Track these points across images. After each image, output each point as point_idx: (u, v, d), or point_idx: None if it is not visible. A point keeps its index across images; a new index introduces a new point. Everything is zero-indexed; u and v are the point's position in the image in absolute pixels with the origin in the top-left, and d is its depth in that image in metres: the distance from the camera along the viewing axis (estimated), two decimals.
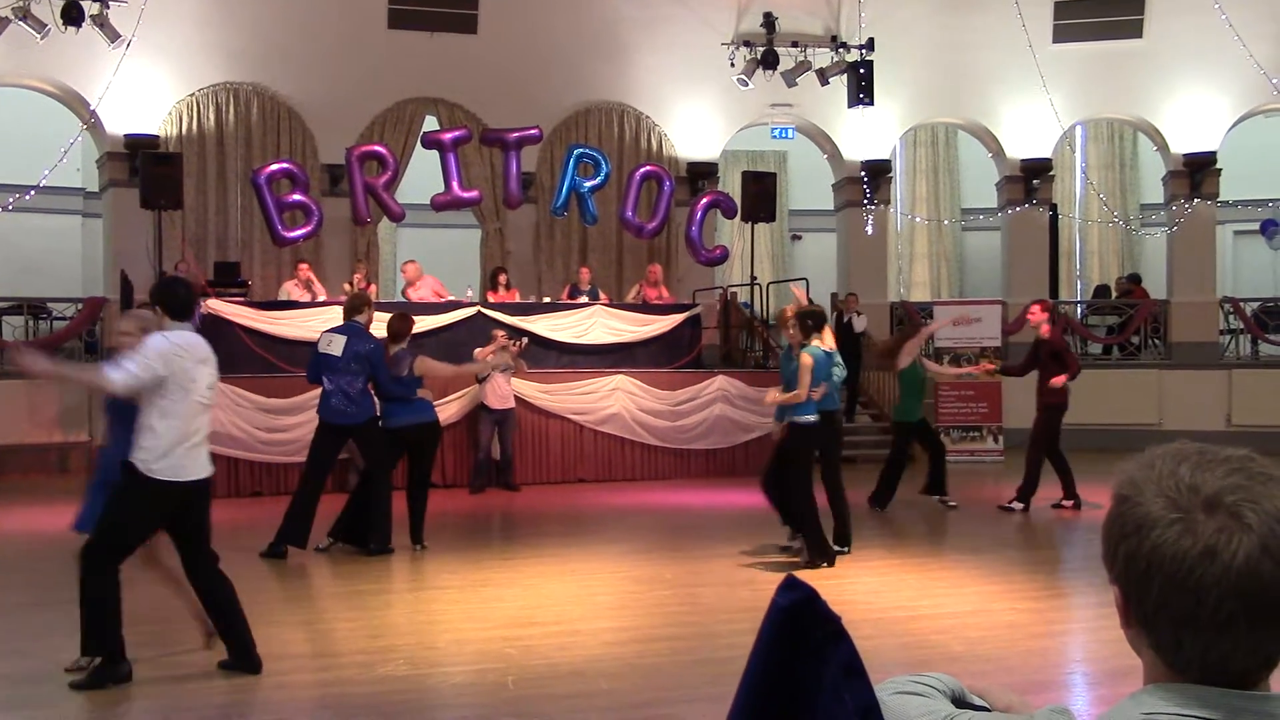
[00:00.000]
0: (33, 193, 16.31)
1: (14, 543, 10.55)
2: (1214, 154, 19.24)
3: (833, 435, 9.35)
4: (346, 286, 15.87)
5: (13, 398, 14.71)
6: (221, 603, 5.95)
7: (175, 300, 5.84)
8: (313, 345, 9.81)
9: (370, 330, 9.66)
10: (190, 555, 5.88)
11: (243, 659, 5.93)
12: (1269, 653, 1.24)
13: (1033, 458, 11.77)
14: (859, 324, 17.13)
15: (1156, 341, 19.68)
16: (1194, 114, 19.21)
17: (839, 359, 9.18)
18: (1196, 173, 19.28)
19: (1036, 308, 12.22)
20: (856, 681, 1.33)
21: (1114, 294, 20.94)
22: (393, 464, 9.86)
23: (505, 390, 13.55)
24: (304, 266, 15.77)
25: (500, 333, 13.68)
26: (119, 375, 5.48)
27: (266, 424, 13.20)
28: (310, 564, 9.19)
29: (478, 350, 13.40)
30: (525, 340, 13.64)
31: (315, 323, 14.20)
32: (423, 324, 14.76)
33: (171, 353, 5.57)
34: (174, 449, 5.59)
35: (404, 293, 15.99)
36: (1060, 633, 7.28)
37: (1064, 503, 11.80)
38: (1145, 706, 1.25)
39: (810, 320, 8.91)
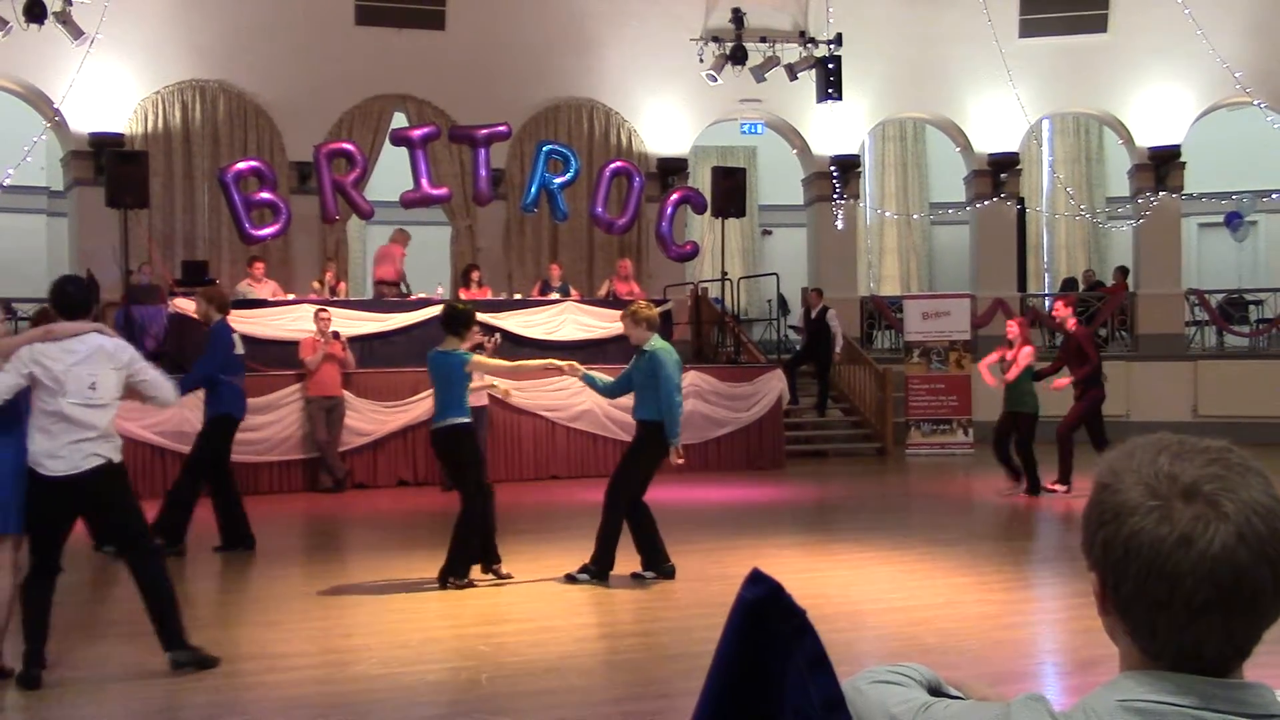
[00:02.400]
0: None
1: None
2: (1178, 147, 19.41)
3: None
4: (316, 284, 15.79)
5: None
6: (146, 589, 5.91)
7: (65, 299, 5.81)
8: (246, 344, 9.90)
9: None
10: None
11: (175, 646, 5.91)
12: (1242, 641, 1.26)
13: (1064, 436, 11.94)
14: (833, 323, 17.13)
15: (1123, 334, 19.84)
16: (1159, 108, 19.38)
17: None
18: (1161, 166, 19.45)
19: (1060, 304, 12.40)
20: (821, 674, 1.33)
21: (1081, 286, 21.08)
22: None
23: (477, 385, 13.47)
24: (259, 265, 15.63)
25: (474, 329, 13.61)
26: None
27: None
28: (280, 564, 9.14)
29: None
30: (498, 337, 13.59)
31: (284, 321, 14.15)
32: (394, 322, 14.76)
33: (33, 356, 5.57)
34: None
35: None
36: (1031, 624, 7.34)
37: (1055, 485, 11.86)
38: (1120, 693, 1.26)
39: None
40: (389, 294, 15.97)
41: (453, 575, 7.93)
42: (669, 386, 7.94)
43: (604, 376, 8.52)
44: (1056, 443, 11.97)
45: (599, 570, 8.09)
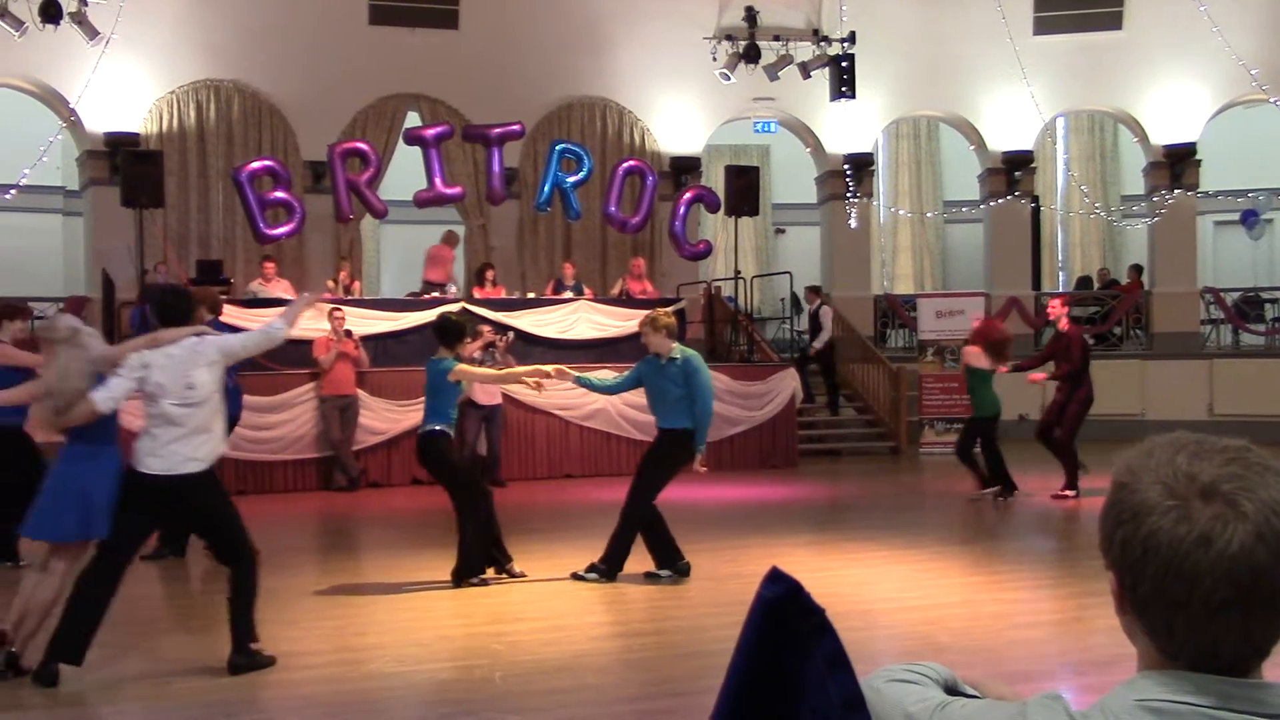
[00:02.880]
0: (12, 192, 16.20)
1: None
2: (1194, 145, 19.33)
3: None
4: (330, 284, 15.83)
5: None
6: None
7: (165, 308, 6.08)
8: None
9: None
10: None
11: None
12: (1261, 641, 1.25)
13: (1065, 444, 11.84)
14: (824, 320, 17.22)
15: (1138, 332, 19.77)
16: (1174, 105, 19.30)
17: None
18: (1177, 164, 19.37)
19: (1056, 302, 12.37)
20: (841, 673, 1.33)
21: (1096, 285, 21.02)
22: None
23: (492, 387, 13.53)
24: (269, 266, 15.67)
25: (486, 328, 13.65)
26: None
27: (251, 421, 13.12)
28: (294, 563, 9.15)
29: (467, 348, 13.33)
30: (511, 335, 13.61)
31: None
32: (407, 321, 14.79)
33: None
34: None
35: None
36: (1046, 623, 7.31)
37: (1065, 491, 11.79)
38: (1138, 693, 1.26)
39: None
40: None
41: (467, 575, 7.95)
42: (707, 393, 7.96)
43: (601, 376, 8.47)
44: (1057, 450, 11.90)
45: (608, 570, 8.09)
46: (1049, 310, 12.66)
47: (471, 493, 8.04)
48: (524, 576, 8.21)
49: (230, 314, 14.24)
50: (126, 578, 6.07)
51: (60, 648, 5.69)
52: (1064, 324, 12.00)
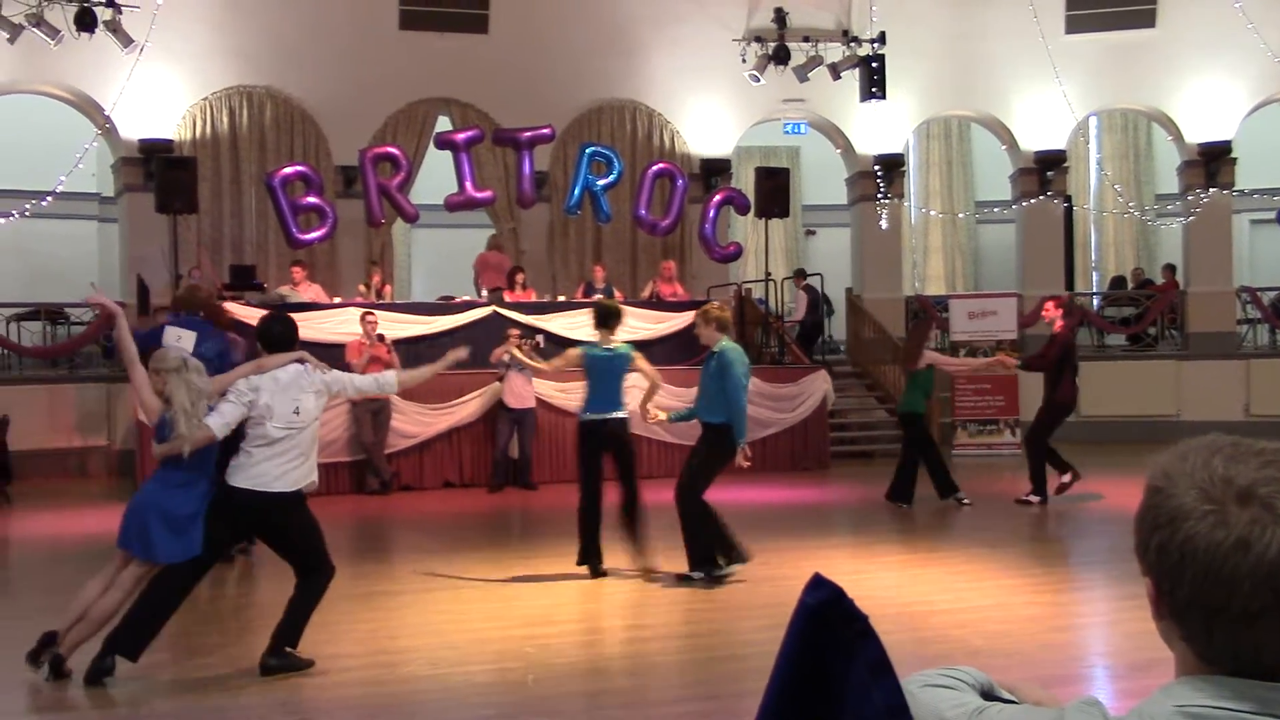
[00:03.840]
0: (49, 199, 16.39)
1: (34, 547, 10.61)
2: (1229, 143, 19.15)
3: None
4: (362, 288, 15.92)
5: (32, 402, 14.78)
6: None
7: (270, 336, 6.27)
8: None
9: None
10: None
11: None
12: None
13: (1031, 445, 11.86)
14: (799, 305, 17.75)
15: (1174, 332, 19.59)
16: (1209, 103, 19.12)
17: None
18: (1212, 162, 19.19)
19: (1050, 304, 12.26)
20: (884, 679, 1.33)
21: (1130, 285, 20.85)
22: None
23: (524, 390, 13.60)
24: (298, 270, 15.75)
25: (514, 331, 13.70)
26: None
27: None
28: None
29: (494, 352, 13.41)
30: (539, 338, 13.65)
31: (330, 324, 14.26)
32: (439, 324, 14.85)
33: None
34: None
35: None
36: (1081, 626, 7.26)
37: (1030, 497, 11.70)
38: (1177, 699, 1.25)
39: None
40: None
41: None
42: (735, 386, 7.96)
43: (680, 407, 8.50)
44: (1027, 452, 11.88)
45: (705, 573, 8.03)
46: (1044, 312, 12.60)
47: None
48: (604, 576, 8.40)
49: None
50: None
51: (121, 642, 5.76)
52: (1058, 325, 11.94)
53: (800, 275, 18.96)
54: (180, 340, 8.25)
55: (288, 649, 6.03)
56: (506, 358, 13.12)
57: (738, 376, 7.98)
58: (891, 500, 11.68)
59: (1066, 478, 11.62)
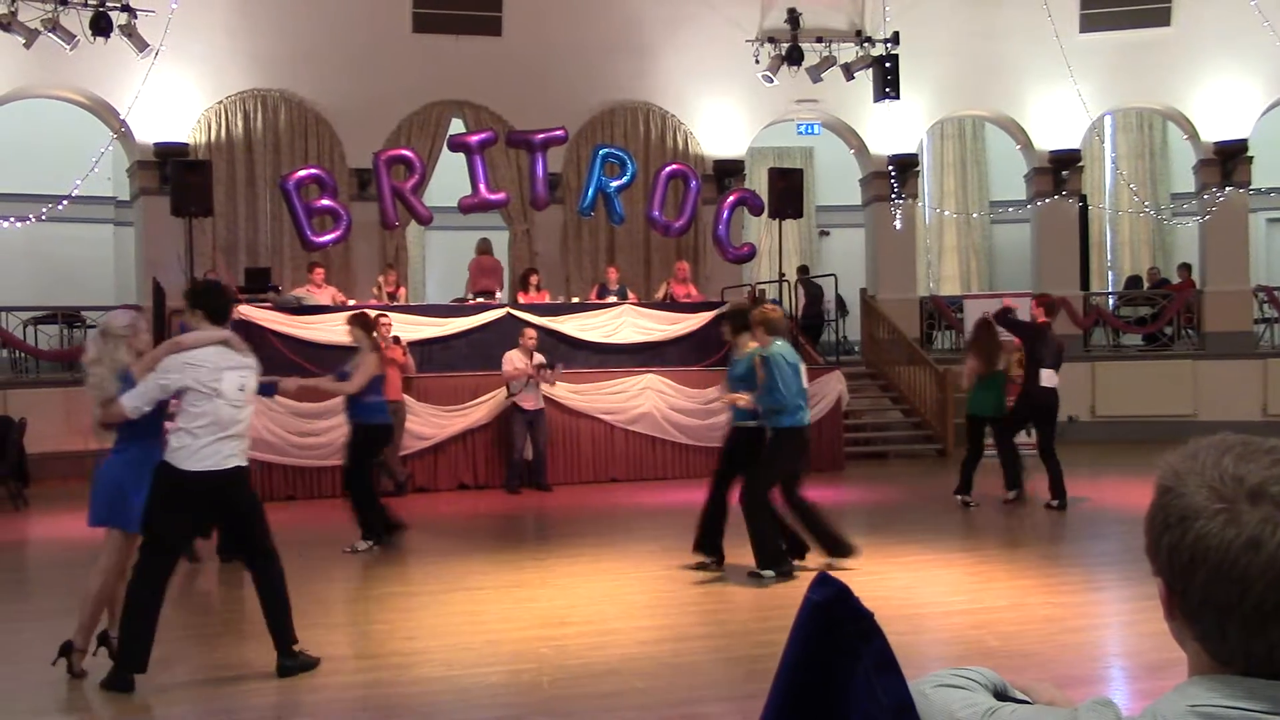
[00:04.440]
0: (65, 202, 16.46)
1: (50, 549, 10.67)
2: (1245, 141, 19.06)
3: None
4: (375, 290, 15.95)
5: (48, 405, 14.85)
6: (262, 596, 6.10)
7: (213, 305, 6.12)
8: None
9: None
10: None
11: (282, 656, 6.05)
12: None
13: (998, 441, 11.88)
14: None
15: (1190, 332, 19.51)
16: (1224, 101, 19.04)
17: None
18: (1228, 161, 19.10)
19: (1033, 304, 12.38)
20: (889, 677, 1.33)
21: (1146, 284, 20.77)
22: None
23: (535, 394, 13.62)
24: (319, 271, 15.78)
25: (531, 335, 13.69)
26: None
27: (299, 428, 13.28)
28: (342, 567, 9.23)
29: (508, 370, 13.43)
30: (560, 367, 13.69)
31: (344, 326, 14.26)
32: (453, 327, 14.88)
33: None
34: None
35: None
36: (1097, 627, 7.24)
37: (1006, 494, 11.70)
38: (1191, 698, 1.24)
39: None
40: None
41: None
42: (765, 388, 8.13)
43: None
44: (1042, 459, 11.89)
45: (776, 570, 8.12)
46: (1033, 310, 12.66)
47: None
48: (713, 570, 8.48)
49: (279, 321, 14.44)
50: (180, 581, 6.15)
51: (126, 659, 5.75)
52: (1040, 320, 11.97)
53: (803, 271, 18.96)
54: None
55: (294, 648, 6.03)
56: (546, 385, 13.36)
57: (767, 377, 8.15)
58: (1009, 490, 11.75)
59: (1010, 494, 11.63)
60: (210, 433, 5.84)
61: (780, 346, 8.29)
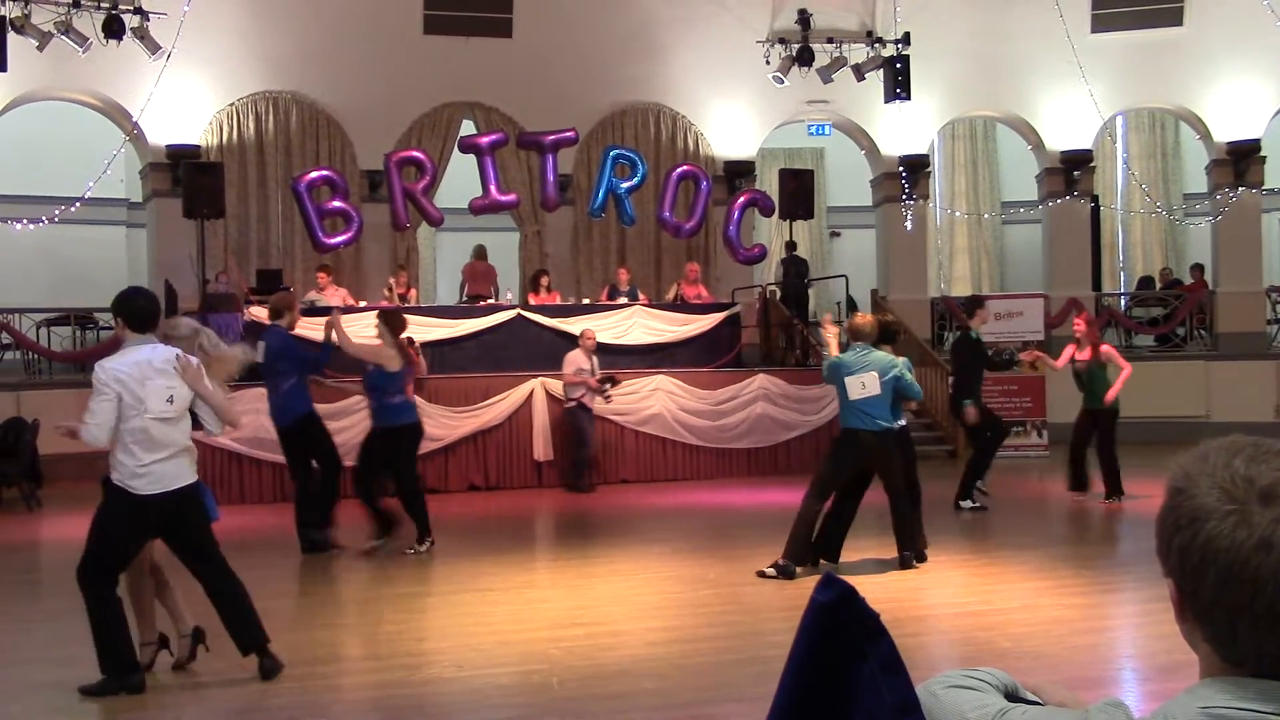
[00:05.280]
0: (77, 204, 16.52)
1: (63, 550, 10.69)
2: (1258, 141, 19.00)
3: None
4: (386, 292, 15.97)
5: (60, 407, 14.90)
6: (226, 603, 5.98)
7: (134, 311, 5.77)
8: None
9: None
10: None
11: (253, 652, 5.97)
12: None
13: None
14: None
15: (1202, 333, 19.45)
16: (1237, 102, 18.98)
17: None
18: (1240, 161, 19.04)
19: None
20: (895, 678, 1.33)
21: (1158, 285, 20.71)
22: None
23: (583, 397, 13.76)
24: (322, 275, 15.81)
25: (590, 335, 13.83)
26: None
27: None
28: (353, 568, 9.25)
29: (569, 374, 13.67)
30: (608, 389, 13.80)
31: (356, 328, 14.28)
32: (465, 328, 14.90)
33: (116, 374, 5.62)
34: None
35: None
36: (1109, 628, 7.22)
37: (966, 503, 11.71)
38: (1202, 700, 1.24)
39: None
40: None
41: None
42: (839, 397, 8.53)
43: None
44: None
45: (914, 551, 8.57)
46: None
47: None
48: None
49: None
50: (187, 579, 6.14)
51: (118, 666, 5.69)
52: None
53: (790, 247, 18.87)
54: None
55: (270, 649, 5.96)
56: (603, 399, 13.65)
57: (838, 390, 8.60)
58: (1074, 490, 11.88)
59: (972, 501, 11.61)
60: (148, 451, 5.60)
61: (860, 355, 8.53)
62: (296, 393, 9.60)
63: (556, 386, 14.10)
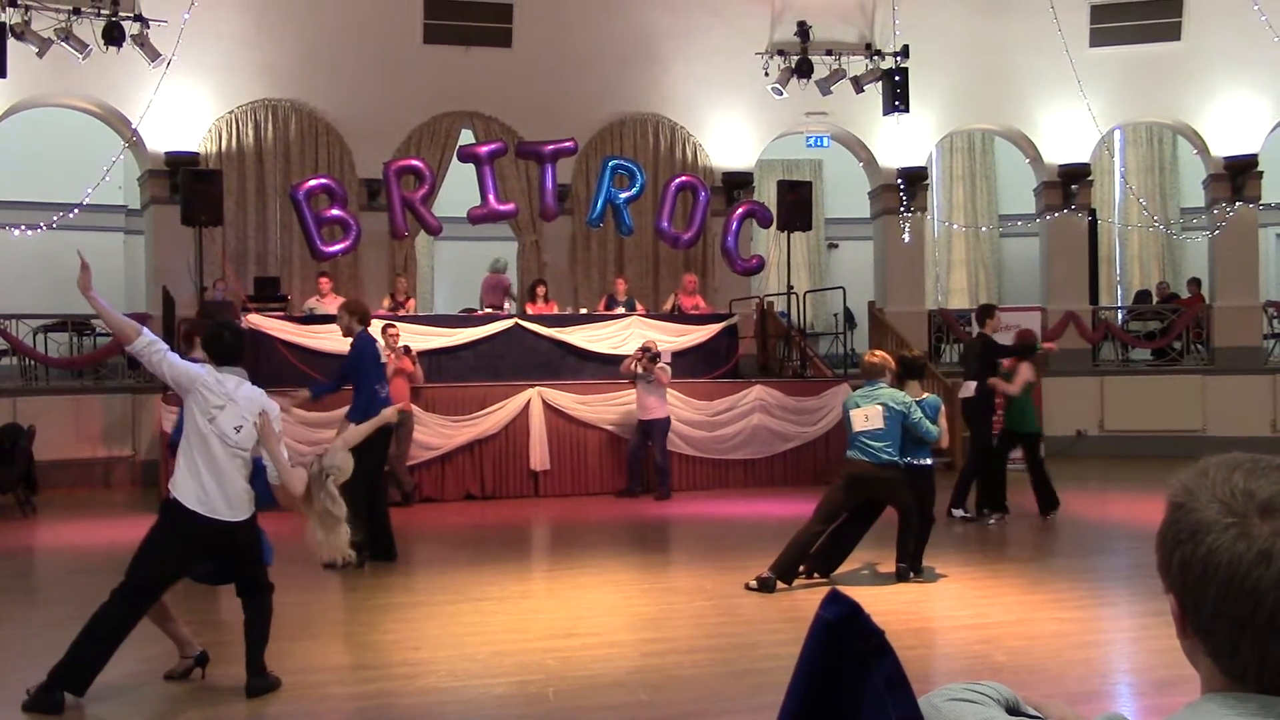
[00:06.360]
0: (76, 211, 16.51)
1: (59, 557, 10.68)
2: (1255, 156, 19.05)
3: None
4: (386, 301, 15.97)
5: (57, 413, 14.89)
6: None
7: (223, 345, 6.00)
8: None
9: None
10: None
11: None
12: None
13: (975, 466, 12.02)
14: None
15: (1199, 347, 19.47)
16: (1234, 116, 19.03)
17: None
18: (1238, 175, 19.08)
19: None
20: (900, 694, 1.32)
21: (1155, 299, 20.74)
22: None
23: (646, 401, 13.79)
24: (325, 281, 15.83)
25: (650, 343, 14.04)
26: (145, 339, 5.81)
27: (308, 437, 13.26)
28: (349, 577, 9.22)
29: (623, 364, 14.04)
30: (659, 355, 13.95)
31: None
32: (462, 337, 14.90)
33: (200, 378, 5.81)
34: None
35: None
36: (1105, 642, 7.21)
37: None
38: (1204, 715, 1.24)
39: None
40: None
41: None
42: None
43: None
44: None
45: (912, 566, 8.66)
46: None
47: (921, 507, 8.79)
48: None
49: (288, 331, 14.49)
50: (183, 588, 6.13)
51: (68, 678, 5.55)
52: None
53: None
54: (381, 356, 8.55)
55: (265, 670, 5.94)
56: (638, 369, 13.51)
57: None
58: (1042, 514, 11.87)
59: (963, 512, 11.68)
60: (208, 469, 5.77)
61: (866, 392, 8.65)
62: (381, 399, 9.68)
63: (553, 396, 14.12)
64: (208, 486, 5.69)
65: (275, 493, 5.95)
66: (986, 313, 12.47)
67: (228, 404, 5.77)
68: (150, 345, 5.80)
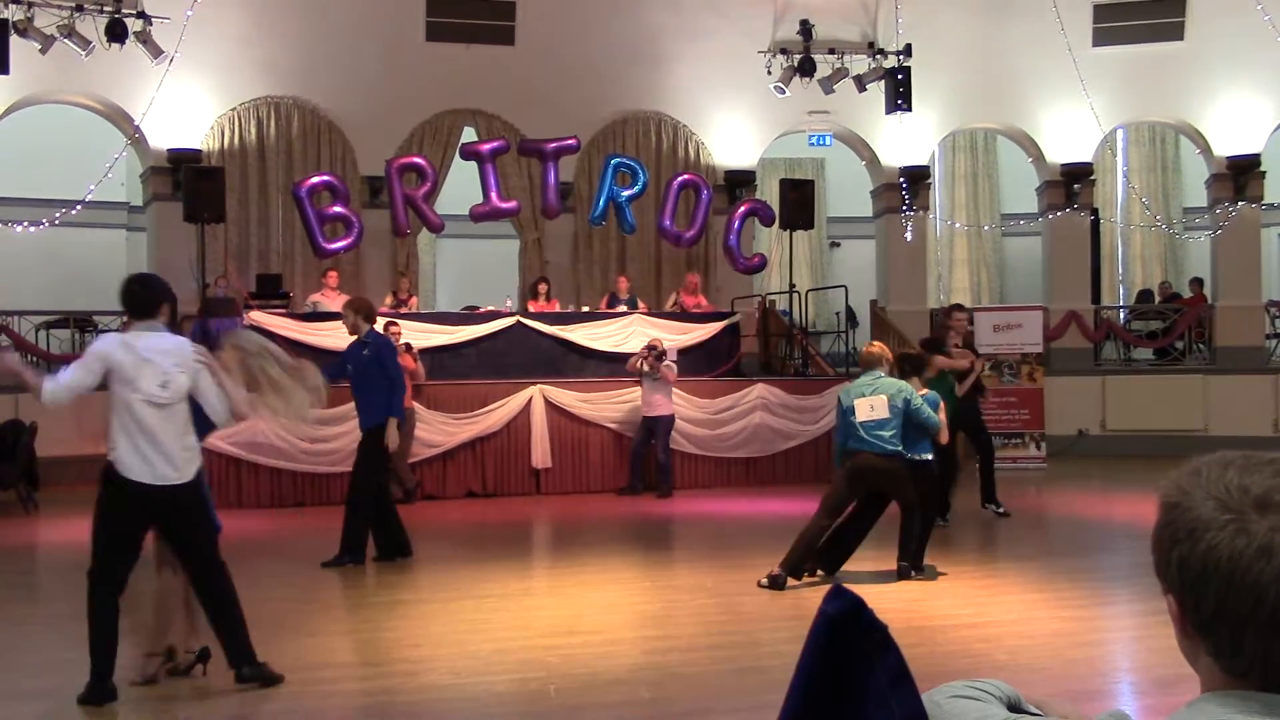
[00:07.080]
0: (78, 207, 16.52)
1: (60, 553, 10.68)
2: (1258, 156, 19.03)
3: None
4: (388, 299, 15.98)
5: (59, 409, 14.88)
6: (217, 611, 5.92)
7: (131, 298, 5.88)
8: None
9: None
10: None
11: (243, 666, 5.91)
12: None
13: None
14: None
15: (1201, 347, 19.46)
16: (1237, 116, 19.01)
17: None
18: (1240, 175, 19.07)
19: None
20: (903, 690, 1.33)
21: (1157, 298, 20.73)
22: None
23: (652, 398, 13.80)
24: (333, 275, 15.83)
25: (656, 341, 14.07)
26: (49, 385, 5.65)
27: (309, 434, 13.28)
28: (350, 574, 9.23)
29: (629, 362, 14.05)
30: (664, 351, 13.90)
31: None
32: (464, 334, 14.90)
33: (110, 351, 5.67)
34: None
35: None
36: (1105, 641, 7.21)
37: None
38: (1205, 714, 1.24)
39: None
40: None
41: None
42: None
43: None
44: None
45: (913, 564, 8.65)
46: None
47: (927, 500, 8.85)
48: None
49: (290, 328, 14.48)
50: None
51: (95, 665, 5.64)
52: None
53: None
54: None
55: (256, 660, 5.90)
56: (644, 366, 13.50)
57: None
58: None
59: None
60: (141, 435, 5.63)
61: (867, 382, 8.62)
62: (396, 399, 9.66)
63: (555, 394, 14.12)
64: (145, 453, 5.59)
65: (233, 413, 5.88)
66: (947, 312, 12.43)
67: (145, 365, 5.59)
68: (57, 386, 5.64)
